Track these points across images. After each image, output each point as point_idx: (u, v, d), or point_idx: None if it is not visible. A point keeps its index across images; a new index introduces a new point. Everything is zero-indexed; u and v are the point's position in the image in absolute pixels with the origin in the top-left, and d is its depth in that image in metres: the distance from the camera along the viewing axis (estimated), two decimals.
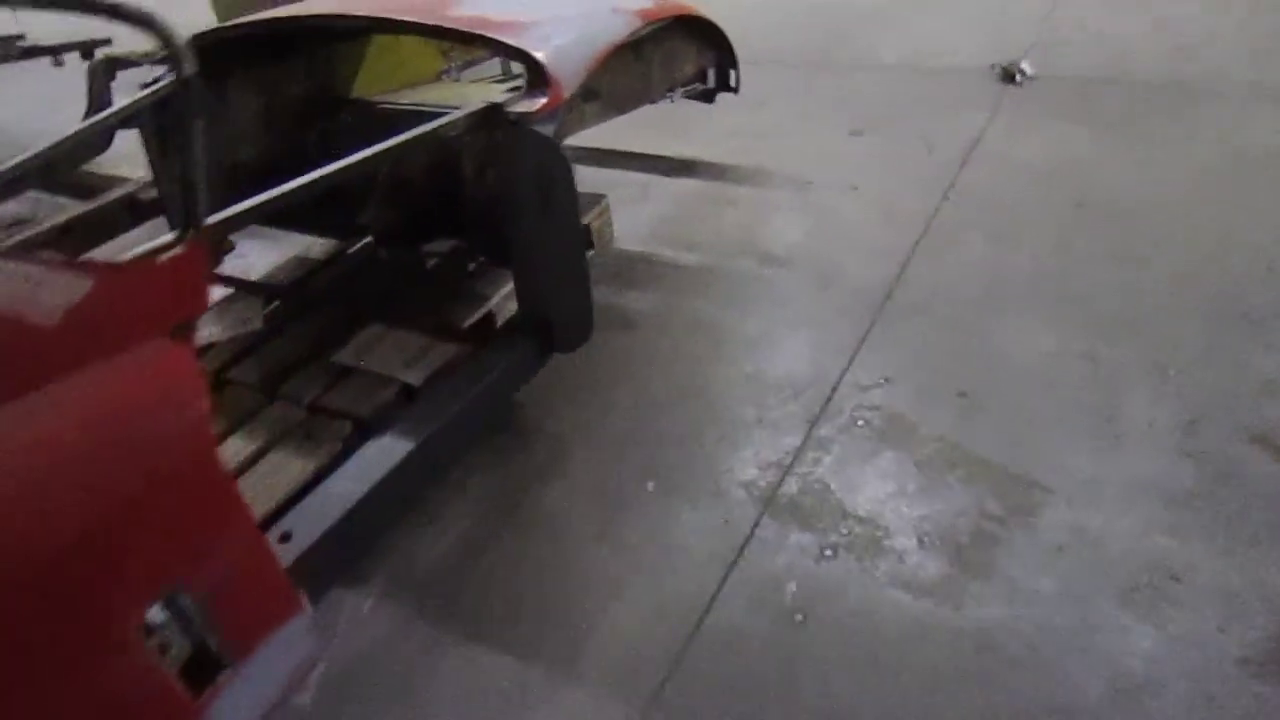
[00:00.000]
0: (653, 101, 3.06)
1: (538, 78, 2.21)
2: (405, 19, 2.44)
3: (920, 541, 1.94)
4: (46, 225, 3.19)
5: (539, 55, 2.22)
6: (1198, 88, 3.94)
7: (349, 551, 2.00)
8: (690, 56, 3.19)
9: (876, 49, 4.82)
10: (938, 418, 2.27)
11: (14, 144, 1.40)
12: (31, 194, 3.68)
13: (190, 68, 1.36)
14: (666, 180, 3.58)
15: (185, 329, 1.45)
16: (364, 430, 2.25)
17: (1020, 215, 3.10)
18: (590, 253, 3.11)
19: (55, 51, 4.92)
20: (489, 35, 2.28)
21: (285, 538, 1.86)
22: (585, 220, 3.07)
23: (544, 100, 2.15)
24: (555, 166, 2.14)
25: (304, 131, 3.08)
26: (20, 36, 5.63)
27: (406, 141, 2.05)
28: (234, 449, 2.24)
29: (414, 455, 2.10)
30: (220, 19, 5.91)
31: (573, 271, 2.30)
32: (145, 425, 1.28)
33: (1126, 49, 4.44)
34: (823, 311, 2.71)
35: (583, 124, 2.73)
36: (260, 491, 2.10)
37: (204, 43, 2.64)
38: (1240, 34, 4.45)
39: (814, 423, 2.29)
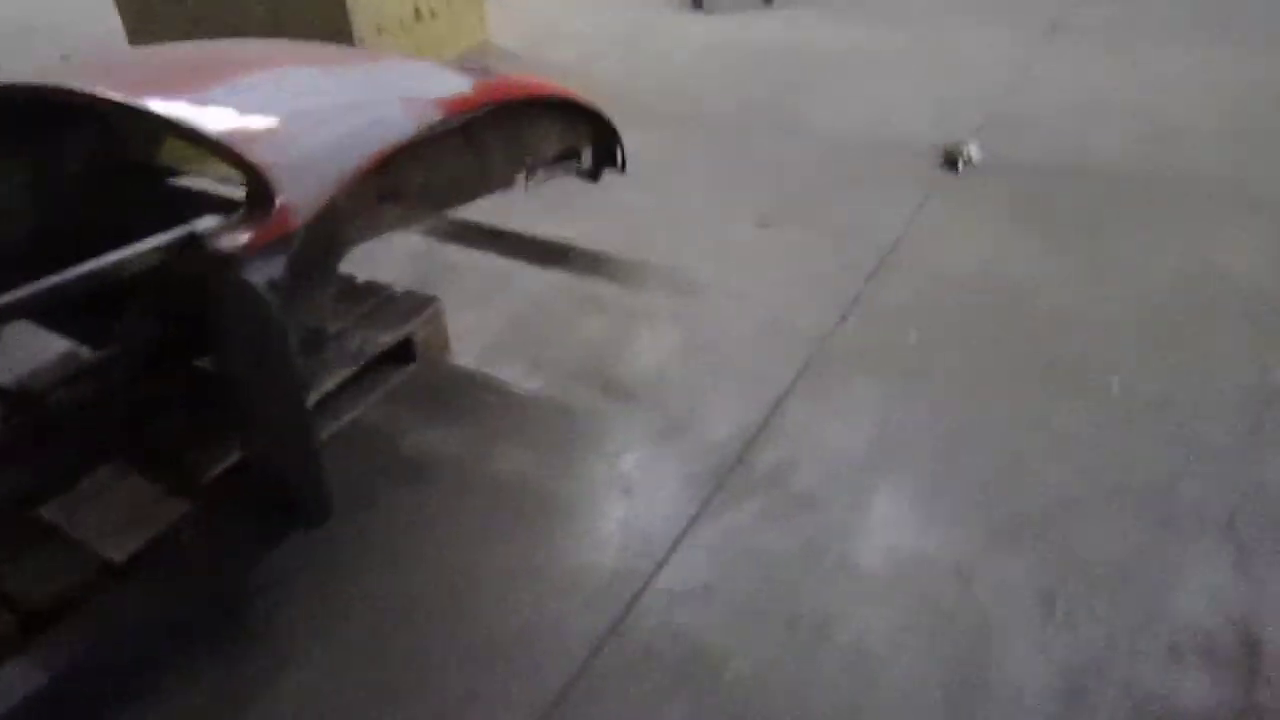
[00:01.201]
0: (503, 189, 2.58)
1: (261, 197, 1.72)
2: (130, 102, 1.96)
3: None
4: None
5: (267, 168, 1.73)
6: (1170, 186, 3.42)
7: None
8: (552, 136, 2.70)
9: (816, 114, 4.29)
10: (754, 655, 1.77)
11: None
12: None
13: None
14: (533, 270, 3.09)
15: None
16: (41, 625, 1.80)
17: (928, 346, 2.59)
18: (411, 366, 2.64)
19: None
20: (211, 136, 1.79)
21: None
22: (409, 328, 2.60)
23: (260, 231, 1.67)
24: (263, 320, 1.65)
25: (90, 206, 2.62)
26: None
27: (71, 281, 1.60)
28: None
29: (82, 670, 1.65)
30: (128, 28, 5.46)
31: (297, 441, 1.81)
32: None
33: (1096, 131, 3.92)
34: (657, 474, 2.22)
35: (381, 229, 2.24)
36: None
37: None
38: (1226, 122, 3.92)
39: (596, 651, 1.79)
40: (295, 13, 4.76)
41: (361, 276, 2.69)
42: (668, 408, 2.42)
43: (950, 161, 3.57)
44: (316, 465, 1.83)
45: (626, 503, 2.13)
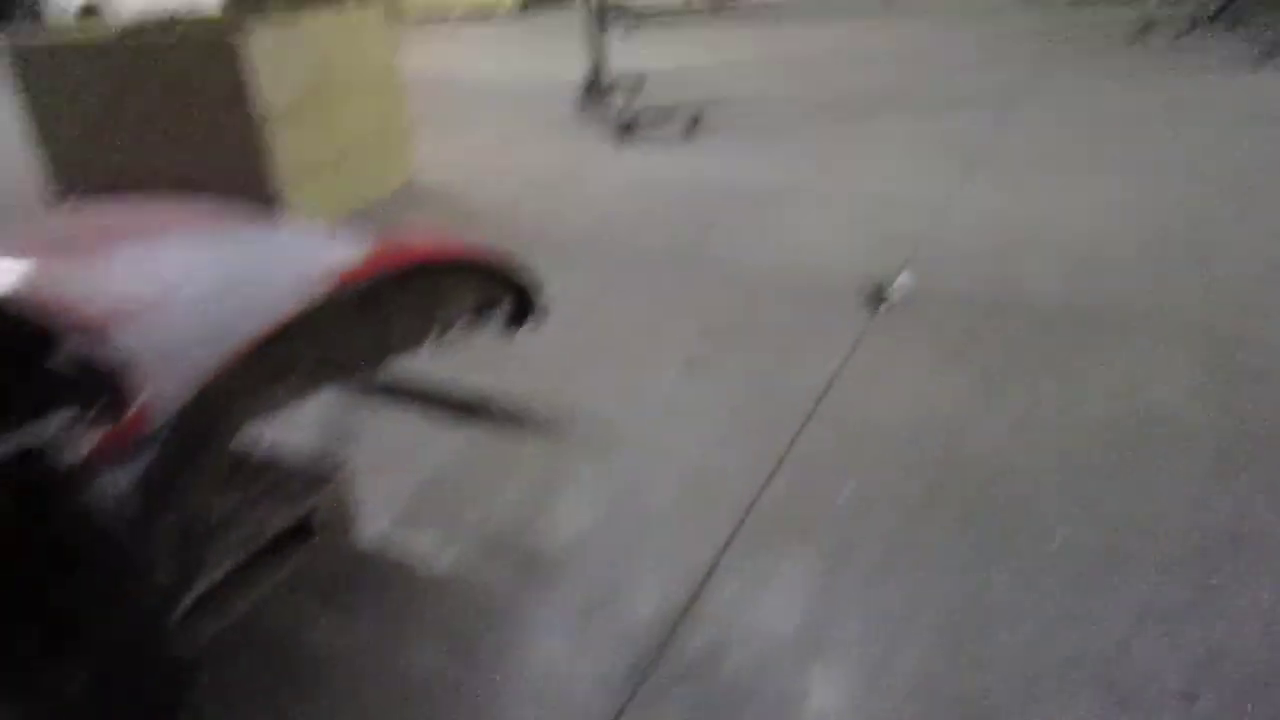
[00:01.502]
0: (410, 352, 2.44)
1: (120, 392, 1.56)
2: None
3: None
4: None
5: (124, 360, 1.57)
6: (1098, 319, 3.42)
7: None
8: (463, 292, 2.58)
9: (742, 251, 4.29)
10: None
11: None
12: None
13: None
14: (449, 427, 2.92)
15: None
16: None
17: (861, 505, 2.47)
18: (313, 543, 2.43)
19: None
20: (66, 325, 1.64)
21: None
22: (309, 505, 2.41)
23: (111, 435, 1.50)
24: (106, 542, 1.46)
25: None
26: None
27: None
28: None
29: None
30: (48, 176, 5.35)
31: (152, 671, 1.60)
32: None
33: (1020, 263, 3.95)
34: (577, 666, 2.03)
35: (275, 407, 2.07)
36: None
37: None
38: (1146, 249, 3.99)
39: None
40: (217, 157, 4.69)
41: (263, 439, 2.51)
42: (589, 585, 2.24)
43: (875, 300, 3.54)
44: (174, 696, 1.61)
45: (541, 706, 1.93)
